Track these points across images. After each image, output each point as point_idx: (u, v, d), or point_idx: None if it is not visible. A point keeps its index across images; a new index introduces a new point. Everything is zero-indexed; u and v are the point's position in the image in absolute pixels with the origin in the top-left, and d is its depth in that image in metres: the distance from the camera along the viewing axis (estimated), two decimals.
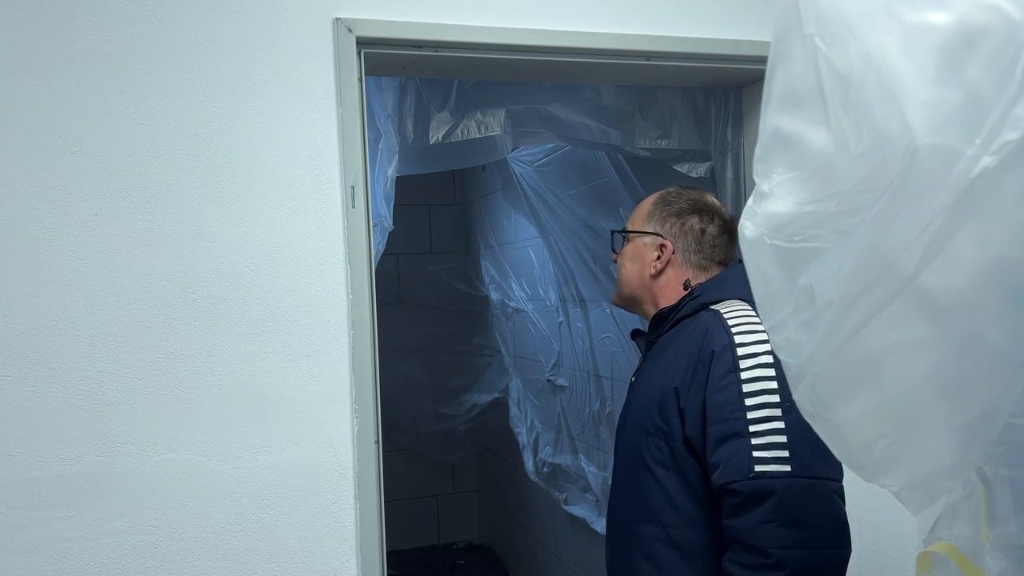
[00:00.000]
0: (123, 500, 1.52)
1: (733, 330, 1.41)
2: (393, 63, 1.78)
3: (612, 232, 1.71)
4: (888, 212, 0.75)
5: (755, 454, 1.31)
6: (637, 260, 1.62)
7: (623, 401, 1.66)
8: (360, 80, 1.66)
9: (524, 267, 3.78)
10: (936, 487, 0.87)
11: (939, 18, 0.74)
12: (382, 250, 1.99)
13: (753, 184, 0.95)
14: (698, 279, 1.58)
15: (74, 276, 1.50)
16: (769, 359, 1.36)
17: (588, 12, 1.79)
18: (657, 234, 1.61)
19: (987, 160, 0.70)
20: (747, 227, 0.92)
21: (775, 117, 0.89)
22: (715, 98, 2.27)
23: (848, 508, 1.98)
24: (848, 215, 0.79)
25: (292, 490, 1.59)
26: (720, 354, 1.39)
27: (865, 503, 1.99)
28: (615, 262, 1.70)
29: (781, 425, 1.31)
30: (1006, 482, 0.82)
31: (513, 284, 3.92)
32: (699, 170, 2.35)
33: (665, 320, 1.56)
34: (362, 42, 1.65)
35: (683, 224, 1.60)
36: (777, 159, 0.89)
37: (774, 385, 1.34)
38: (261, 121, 1.59)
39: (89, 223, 1.51)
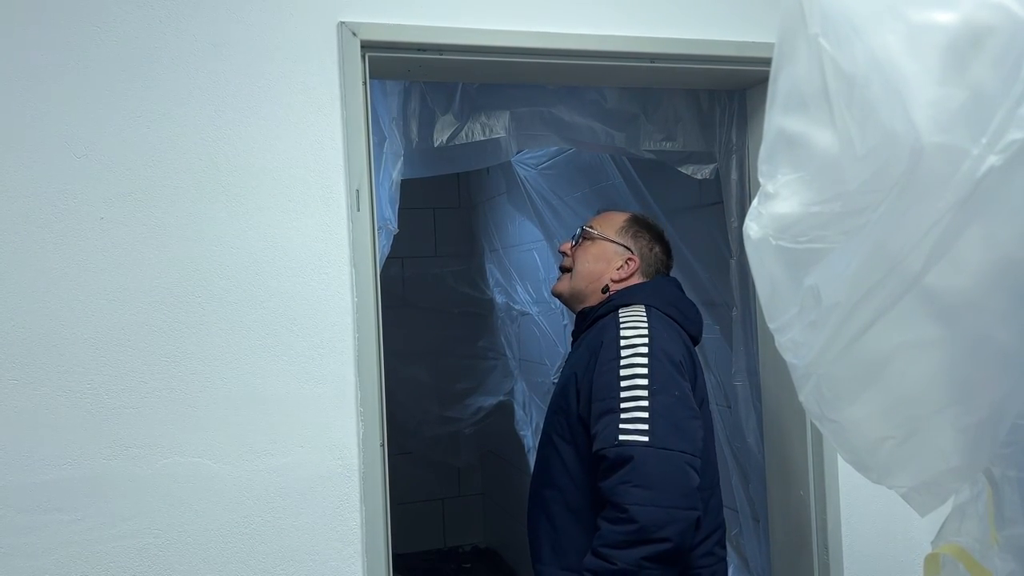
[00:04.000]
0: (128, 504, 1.52)
1: (621, 326, 1.69)
2: (397, 67, 1.78)
3: (583, 228, 1.92)
4: (894, 212, 0.74)
5: (621, 426, 1.55)
6: (601, 261, 1.87)
7: None
8: (364, 84, 1.66)
9: (529, 270, 3.77)
10: (944, 488, 0.86)
11: (944, 17, 0.74)
12: (387, 253, 1.99)
13: (758, 185, 0.95)
14: (619, 286, 1.85)
15: (79, 280, 1.50)
16: (645, 350, 1.63)
17: (592, 15, 1.79)
18: (628, 248, 1.87)
19: (993, 159, 0.70)
20: (752, 228, 0.92)
21: (780, 118, 0.89)
22: (719, 100, 2.26)
23: (855, 510, 1.98)
24: (854, 215, 0.78)
25: (297, 493, 1.59)
26: (607, 345, 1.66)
27: (872, 505, 1.98)
28: (564, 254, 1.92)
29: (645, 404, 1.56)
30: (1014, 483, 0.81)
31: (518, 287, 3.91)
32: (703, 172, 2.34)
33: (587, 318, 1.84)
34: (366, 46, 1.65)
35: (651, 249, 1.89)
36: (782, 160, 0.89)
37: (645, 371, 1.60)
38: (266, 125, 1.59)
39: (94, 227, 1.51)
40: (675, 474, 1.50)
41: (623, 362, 1.61)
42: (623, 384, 1.59)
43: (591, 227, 1.91)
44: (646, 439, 1.52)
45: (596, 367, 1.65)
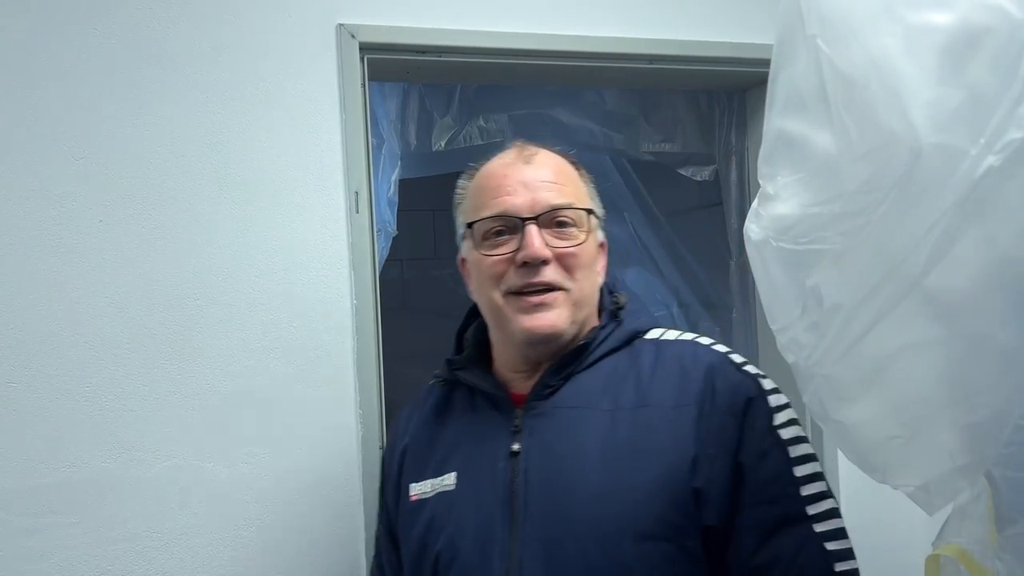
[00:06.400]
0: (128, 506, 1.51)
1: (750, 370, 1.06)
2: (396, 68, 1.78)
3: (588, 210, 1.14)
4: (894, 213, 0.75)
5: (828, 546, 0.99)
6: (597, 259, 1.14)
7: None
8: (363, 86, 1.66)
9: None
10: (950, 488, 0.86)
11: (941, 18, 0.74)
12: (386, 256, 1.99)
13: (758, 187, 0.95)
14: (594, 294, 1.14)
15: (79, 282, 1.50)
16: (792, 411, 1.04)
17: (591, 16, 1.79)
18: (600, 220, 1.15)
19: (991, 159, 0.70)
20: (752, 229, 0.92)
21: (779, 119, 0.89)
22: (719, 101, 2.26)
23: (854, 509, 1.97)
24: (853, 216, 0.79)
25: (297, 496, 1.59)
26: (756, 405, 1.02)
27: (871, 504, 1.98)
28: (546, 261, 1.08)
29: (834, 502, 1.03)
30: (1014, 484, 0.81)
31: None
32: (703, 173, 2.34)
33: (580, 354, 1.10)
34: (365, 48, 1.65)
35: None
36: (782, 161, 0.89)
37: (810, 446, 1.03)
38: (265, 127, 1.59)
39: (94, 229, 1.51)
40: None
41: (784, 434, 1.01)
42: (798, 473, 1.01)
43: (587, 207, 1.14)
44: (855, 563, 1.00)
45: (743, 444, 1.00)
